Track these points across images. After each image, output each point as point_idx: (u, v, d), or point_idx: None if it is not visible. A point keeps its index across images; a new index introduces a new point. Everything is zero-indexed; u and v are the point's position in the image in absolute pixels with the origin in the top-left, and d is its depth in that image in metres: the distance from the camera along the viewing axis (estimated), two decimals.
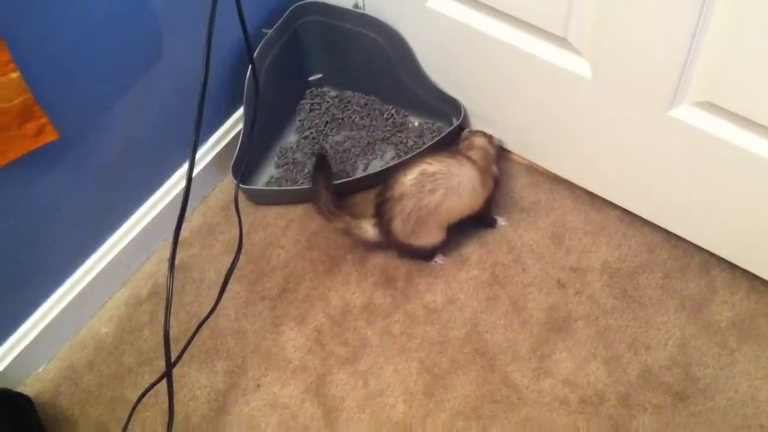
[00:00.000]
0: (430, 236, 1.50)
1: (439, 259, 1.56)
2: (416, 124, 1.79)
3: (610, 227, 1.58)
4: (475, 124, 1.74)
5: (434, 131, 1.76)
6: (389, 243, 1.52)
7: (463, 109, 1.70)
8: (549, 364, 1.41)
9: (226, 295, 1.40)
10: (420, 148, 1.69)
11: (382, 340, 1.46)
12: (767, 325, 1.44)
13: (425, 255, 1.55)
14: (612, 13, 1.27)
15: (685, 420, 1.34)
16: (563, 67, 1.42)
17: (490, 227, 1.60)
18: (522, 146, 1.71)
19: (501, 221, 1.61)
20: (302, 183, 1.68)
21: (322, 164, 1.58)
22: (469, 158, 1.50)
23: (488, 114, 1.69)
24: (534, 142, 1.67)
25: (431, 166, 1.44)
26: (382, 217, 1.48)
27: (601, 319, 1.46)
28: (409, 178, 1.44)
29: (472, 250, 1.57)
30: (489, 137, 1.63)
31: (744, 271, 1.49)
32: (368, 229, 1.52)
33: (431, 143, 1.68)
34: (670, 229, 1.55)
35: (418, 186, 1.43)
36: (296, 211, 1.66)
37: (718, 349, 1.42)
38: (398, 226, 1.46)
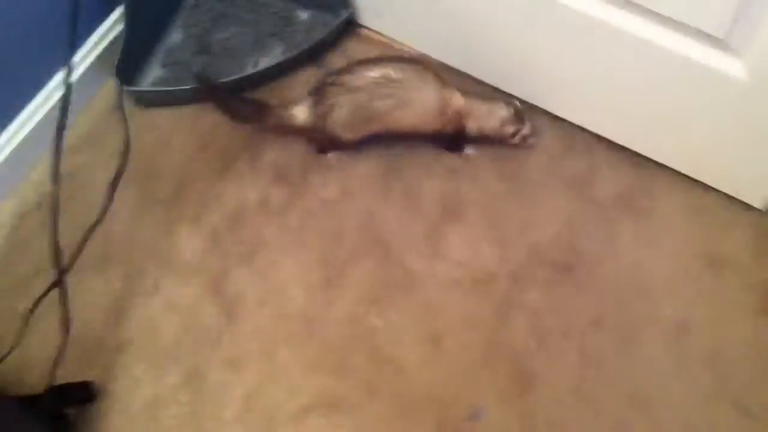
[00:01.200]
0: (360, 134, 1.49)
1: (333, 157, 1.56)
2: (305, 17, 1.75)
3: None
4: (366, 17, 1.72)
5: (324, 24, 1.73)
6: (316, 129, 1.49)
7: (353, 2, 1.67)
8: (442, 249, 1.46)
9: (118, 200, 1.37)
10: (309, 43, 1.67)
11: (279, 236, 1.47)
12: (647, 198, 1.52)
13: (338, 148, 1.54)
14: None
15: (572, 290, 1.42)
16: None
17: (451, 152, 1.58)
18: (413, 36, 1.70)
19: (469, 150, 1.57)
20: (189, 83, 1.64)
21: (205, 81, 1.54)
22: (438, 80, 1.46)
23: (379, 5, 1.67)
24: (431, 33, 1.67)
25: (395, 73, 1.42)
26: (324, 99, 1.44)
27: (491, 203, 1.50)
28: (371, 75, 1.41)
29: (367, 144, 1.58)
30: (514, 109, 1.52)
31: (624, 149, 1.55)
32: (298, 115, 1.48)
33: (321, 37, 1.66)
34: (554, 112, 1.59)
35: (376, 86, 1.41)
36: (185, 112, 1.62)
37: (602, 222, 1.49)
38: (340, 115, 1.44)
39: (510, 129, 1.50)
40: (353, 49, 1.72)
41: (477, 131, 1.51)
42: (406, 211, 1.50)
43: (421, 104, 1.45)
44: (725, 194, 1.51)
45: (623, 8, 1.33)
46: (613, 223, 1.49)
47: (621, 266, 1.45)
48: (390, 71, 1.42)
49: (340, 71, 1.45)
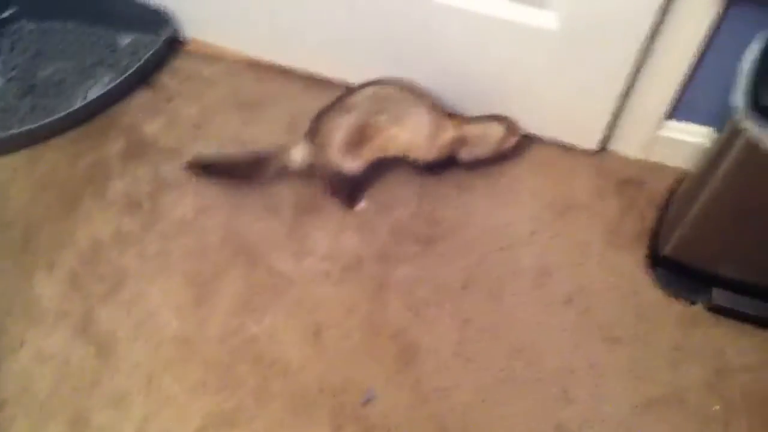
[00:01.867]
0: (361, 158, 1.45)
1: (363, 204, 1.54)
2: (128, 41, 1.72)
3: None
4: (189, 30, 1.71)
5: (148, 45, 1.70)
6: (318, 164, 1.45)
7: (172, 19, 1.66)
8: (307, 245, 1.48)
9: None
10: (136, 65, 1.64)
11: (140, 265, 1.44)
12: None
13: (347, 185, 1.50)
14: None
15: (436, 260, 1.47)
16: None
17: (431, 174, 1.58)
18: (238, 39, 1.71)
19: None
20: (18, 127, 1.58)
21: (196, 165, 1.51)
22: (427, 102, 1.45)
23: (198, 15, 1.67)
24: (254, 32, 1.68)
25: (385, 90, 1.40)
26: (320, 130, 1.41)
27: None
28: (360, 96, 1.40)
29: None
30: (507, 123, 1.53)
31: None
32: (296, 155, 1.45)
33: (147, 58, 1.64)
34: None
35: (370, 103, 1.40)
36: (19, 157, 1.57)
37: (455, 191, 1.55)
38: (338, 138, 1.41)
39: (510, 144, 1.54)
40: (184, 64, 1.71)
41: (471, 158, 1.54)
42: (264, 216, 1.51)
43: (414, 121, 1.44)
44: (563, 144, 1.60)
45: None
46: (466, 190, 1.56)
47: (479, 228, 1.51)
48: (381, 91, 1.41)
49: (327, 106, 1.42)
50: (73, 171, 1.55)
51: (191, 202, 1.52)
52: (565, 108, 1.53)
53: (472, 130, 1.50)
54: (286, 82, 1.69)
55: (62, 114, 1.58)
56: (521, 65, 1.47)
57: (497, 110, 1.55)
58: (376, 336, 1.38)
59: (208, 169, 1.51)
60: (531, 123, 1.59)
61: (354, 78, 1.59)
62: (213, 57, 1.71)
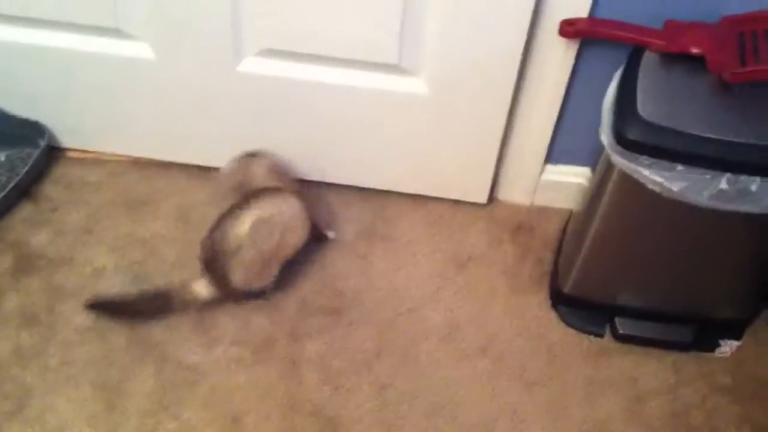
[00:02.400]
0: (270, 275, 1.46)
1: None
2: (3, 158, 1.69)
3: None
4: (65, 139, 1.70)
5: (25, 159, 1.67)
6: (226, 295, 1.45)
7: (46, 129, 1.66)
8: (215, 333, 1.46)
9: None
10: (15, 180, 1.61)
11: (44, 378, 1.39)
12: (386, 225, 1.64)
13: (263, 293, 1.49)
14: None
15: (347, 330, 1.48)
16: (120, 54, 1.49)
17: (321, 241, 1.60)
18: (112, 142, 1.72)
19: (330, 234, 1.61)
20: None
21: (98, 306, 1.47)
22: (287, 191, 1.47)
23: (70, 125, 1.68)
24: (130, 135, 1.69)
25: (263, 211, 1.39)
26: (215, 272, 1.40)
27: None
28: (243, 229, 1.37)
29: (107, 257, 1.56)
30: (261, 158, 1.54)
31: (351, 188, 1.67)
32: (201, 291, 1.44)
33: (26, 170, 1.62)
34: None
35: (256, 234, 1.38)
36: None
37: (353, 260, 1.58)
38: (239, 276, 1.40)
39: None
40: (65, 171, 1.70)
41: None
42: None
43: (299, 214, 1.46)
44: (453, 200, 1.66)
45: (316, 63, 1.44)
46: (363, 257, 1.58)
47: (383, 293, 1.53)
48: (258, 213, 1.39)
49: (211, 244, 1.40)
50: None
51: (84, 306, 1.48)
52: (449, 167, 1.59)
53: (270, 172, 1.53)
54: (170, 175, 1.70)
55: None
56: (399, 130, 1.53)
57: (375, 175, 1.63)
58: (296, 415, 1.36)
59: (109, 308, 1.48)
60: (420, 184, 1.64)
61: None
62: (95, 161, 1.70)
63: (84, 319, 1.47)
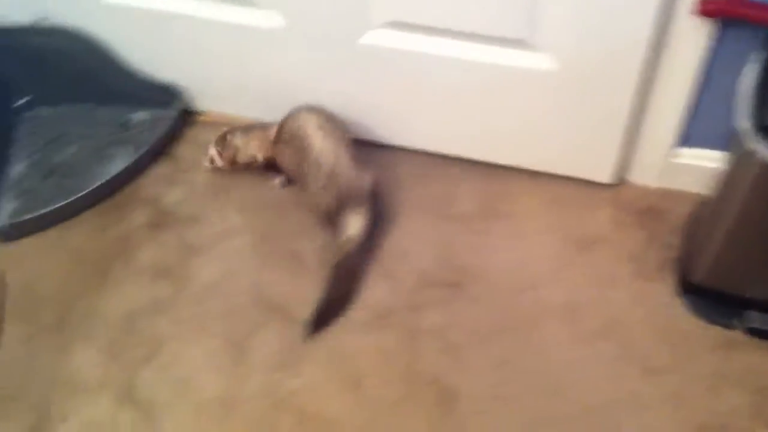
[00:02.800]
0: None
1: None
2: (144, 117, 1.77)
3: None
4: (202, 102, 1.76)
5: (161, 120, 1.76)
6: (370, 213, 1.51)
7: (182, 92, 1.73)
8: None
9: (6, 339, 1.36)
10: (154, 139, 1.69)
11: (175, 329, 1.45)
12: (507, 203, 1.63)
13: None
14: None
15: (466, 303, 1.48)
16: (253, 25, 1.54)
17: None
18: (239, 106, 1.78)
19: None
20: (44, 208, 1.61)
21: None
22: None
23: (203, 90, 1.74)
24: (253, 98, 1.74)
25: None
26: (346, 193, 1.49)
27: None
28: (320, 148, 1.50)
29: (235, 217, 1.61)
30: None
31: (476, 162, 1.66)
32: (353, 227, 1.50)
33: (165, 132, 1.70)
34: (403, 145, 1.69)
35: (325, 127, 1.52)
36: (50, 235, 1.60)
37: (473, 235, 1.58)
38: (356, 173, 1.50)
39: None
40: (199, 134, 1.78)
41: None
42: (291, 271, 1.53)
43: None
44: (577, 179, 1.63)
45: (442, 36, 1.44)
46: (483, 233, 1.58)
47: (502, 269, 1.53)
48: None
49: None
50: (101, 245, 1.57)
51: (217, 264, 1.54)
52: (573, 144, 1.57)
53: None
54: None
55: (85, 192, 1.61)
56: (523, 105, 1.52)
57: (496, 150, 1.62)
58: (415, 382, 1.38)
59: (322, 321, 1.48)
60: (544, 161, 1.62)
61: (365, 134, 1.63)
62: (224, 124, 1.76)
63: (212, 276, 1.52)
